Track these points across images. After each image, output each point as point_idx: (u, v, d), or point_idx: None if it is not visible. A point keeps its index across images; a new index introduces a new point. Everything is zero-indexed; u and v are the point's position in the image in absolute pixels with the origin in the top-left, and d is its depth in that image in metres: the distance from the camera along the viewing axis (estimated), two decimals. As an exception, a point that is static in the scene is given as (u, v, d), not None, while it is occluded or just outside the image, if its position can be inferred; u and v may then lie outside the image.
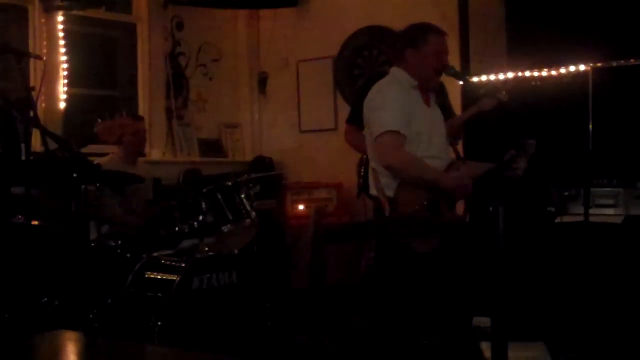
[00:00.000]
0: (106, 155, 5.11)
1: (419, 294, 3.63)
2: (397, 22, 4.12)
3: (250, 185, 4.79)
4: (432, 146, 3.73)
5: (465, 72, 5.50)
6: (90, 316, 4.15)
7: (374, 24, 6.62)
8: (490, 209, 1.93)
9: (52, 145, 3.37)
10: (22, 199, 3.54)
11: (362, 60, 6.75)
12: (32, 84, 3.53)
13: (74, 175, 3.38)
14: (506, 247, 2.04)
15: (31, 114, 3.21)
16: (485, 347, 3.79)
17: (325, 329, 3.78)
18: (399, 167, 3.59)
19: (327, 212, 6.24)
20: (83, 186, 3.87)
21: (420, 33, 3.75)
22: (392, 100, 3.65)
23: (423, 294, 3.63)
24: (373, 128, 3.67)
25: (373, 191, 3.75)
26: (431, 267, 3.58)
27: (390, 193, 3.62)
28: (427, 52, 3.72)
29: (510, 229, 2.03)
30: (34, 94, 3.39)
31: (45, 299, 4.28)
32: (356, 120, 4.42)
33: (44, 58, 3.64)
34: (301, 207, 6.57)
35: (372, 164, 3.77)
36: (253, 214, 4.69)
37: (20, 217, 3.96)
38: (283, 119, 7.28)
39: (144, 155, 5.74)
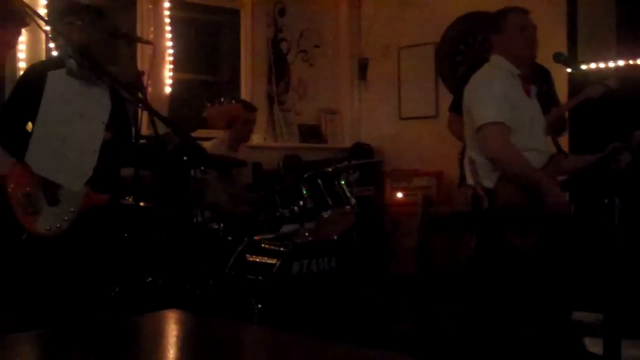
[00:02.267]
0: (209, 139, 5.21)
1: (520, 287, 3.55)
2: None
3: (350, 171, 4.79)
4: (532, 138, 3.63)
5: (573, 59, 5.33)
6: (193, 297, 4.24)
7: (477, 9, 6.49)
8: (606, 201, 1.85)
9: (161, 129, 3.43)
10: (132, 181, 3.63)
11: (465, 47, 6.64)
12: (140, 68, 3.60)
13: (184, 158, 3.46)
14: (621, 241, 1.97)
15: (141, 97, 3.28)
16: (589, 343, 3.69)
17: (428, 318, 3.75)
18: (505, 161, 3.50)
19: (434, 200, 6.17)
20: (192, 170, 3.94)
21: (499, 16, 3.71)
22: (495, 89, 3.57)
23: (524, 287, 3.55)
24: (475, 118, 3.59)
25: (470, 181, 3.68)
26: (533, 262, 3.50)
27: (489, 184, 3.55)
28: (510, 30, 3.65)
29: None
30: (143, 78, 3.46)
31: (150, 279, 4.40)
32: (459, 108, 4.35)
33: (154, 43, 3.72)
34: (400, 194, 6.53)
35: (469, 153, 3.70)
36: (353, 200, 4.69)
37: (129, 198, 4.08)
38: (383, 106, 7.24)
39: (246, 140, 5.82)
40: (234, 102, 3.63)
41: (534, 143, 3.63)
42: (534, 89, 3.77)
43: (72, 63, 3.04)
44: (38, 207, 3.47)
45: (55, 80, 3.13)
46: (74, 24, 3.50)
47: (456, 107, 4.54)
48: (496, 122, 3.50)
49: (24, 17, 2.86)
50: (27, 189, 3.46)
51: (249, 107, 5.38)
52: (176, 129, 2.94)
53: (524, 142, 3.57)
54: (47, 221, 3.49)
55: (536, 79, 3.92)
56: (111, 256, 4.21)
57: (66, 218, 3.50)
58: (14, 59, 5.09)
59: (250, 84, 6.77)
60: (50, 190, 3.48)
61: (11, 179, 3.49)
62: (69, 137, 3.24)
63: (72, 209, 3.51)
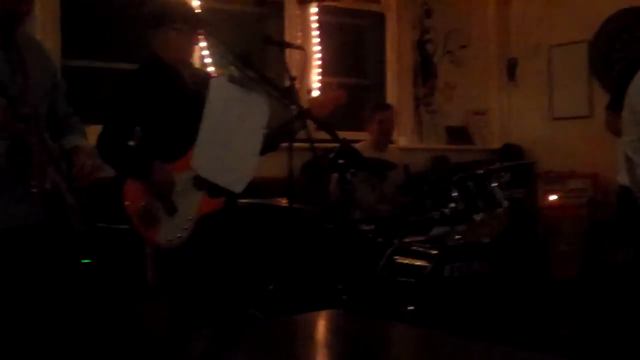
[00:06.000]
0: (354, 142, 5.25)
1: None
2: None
3: (502, 173, 4.70)
4: None
5: None
6: (344, 298, 4.28)
7: (634, 5, 6.22)
8: None
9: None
10: (285, 183, 3.69)
11: (621, 44, 6.36)
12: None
13: (340, 161, 3.47)
14: None
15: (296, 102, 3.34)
16: None
17: (590, 324, 3.62)
18: None
19: (603, 202, 5.94)
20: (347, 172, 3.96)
21: None
22: None
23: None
24: None
25: (623, 180, 3.51)
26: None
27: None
28: None
29: None
30: (296, 83, 3.52)
31: (302, 280, 4.47)
32: (618, 106, 4.18)
33: (305, 49, 3.78)
34: (553, 197, 6.34)
35: (628, 151, 3.52)
36: (505, 203, 4.59)
37: (282, 200, 4.17)
38: (533, 106, 7.05)
39: (392, 142, 5.82)
40: (335, 88, 3.61)
41: None
42: None
43: (233, 70, 3.13)
44: (157, 219, 3.45)
45: (218, 87, 3.23)
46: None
47: (615, 105, 4.37)
48: None
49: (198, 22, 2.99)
50: (143, 202, 3.45)
51: (381, 106, 5.38)
52: (332, 133, 2.98)
53: None
54: (168, 232, 3.47)
55: None
56: (264, 255, 4.31)
57: (185, 227, 3.48)
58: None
59: (397, 86, 6.77)
60: (168, 200, 3.47)
61: (126, 196, 3.47)
62: (231, 142, 3.30)
63: (190, 217, 3.49)
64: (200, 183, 3.48)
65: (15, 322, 2.50)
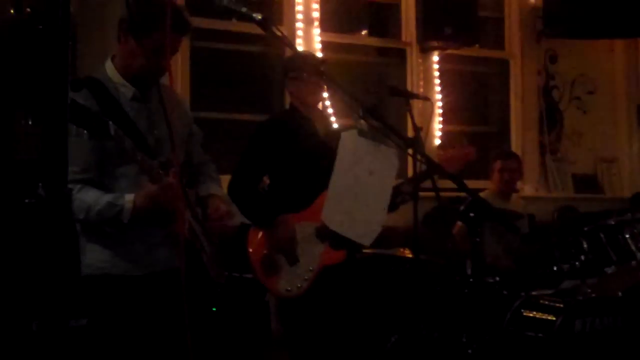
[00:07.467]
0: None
1: None
2: None
3: (634, 224, 4.51)
4: None
5: None
6: (469, 351, 4.18)
7: None
8: None
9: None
10: (408, 233, 3.65)
11: None
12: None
13: (471, 215, 3.41)
14: None
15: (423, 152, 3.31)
16: None
17: None
18: None
19: None
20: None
21: None
22: None
23: None
24: None
25: None
26: None
27: None
28: None
29: None
30: (422, 134, 3.50)
31: (425, 331, 4.40)
32: None
33: (431, 99, 3.76)
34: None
35: None
36: (638, 255, 4.40)
37: (405, 250, 4.14)
38: (667, 153, 6.79)
39: (517, 191, 5.69)
40: (465, 143, 3.54)
41: None
42: None
43: (362, 124, 3.15)
44: (279, 268, 3.47)
45: (348, 140, 3.26)
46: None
47: None
48: None
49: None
50: (266, 251, 3.49)
51: (503, 155, 5.27)
52: (460, 183, 2.94)
53: None
54: (288, 282, 3.47)
55: None
56: (385, 306, 4.26)
57: (306, 277, 3.48)
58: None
59: (521, 134, 6.66)
60: (289, 251, 3.48)
61: (250, 243, 3.52)
62: (360, 195, 3.31)
63: (311, 268, 3.49)
64: (323, 234, 3.50)
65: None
